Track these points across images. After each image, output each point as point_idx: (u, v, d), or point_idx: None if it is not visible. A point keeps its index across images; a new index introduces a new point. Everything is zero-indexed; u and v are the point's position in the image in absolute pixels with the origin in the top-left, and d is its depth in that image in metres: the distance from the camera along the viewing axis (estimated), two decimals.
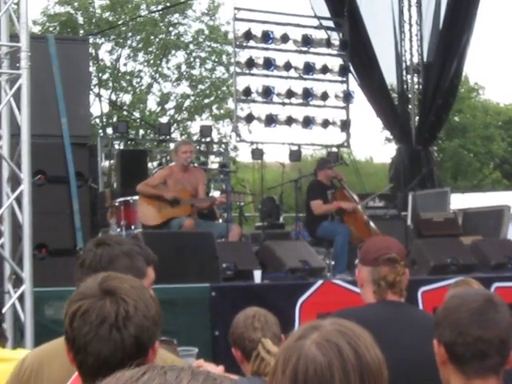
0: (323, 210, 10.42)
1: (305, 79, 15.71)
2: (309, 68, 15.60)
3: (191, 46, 34.19)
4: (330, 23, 16.40)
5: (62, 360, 2.72)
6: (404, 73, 17.28)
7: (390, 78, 17.12)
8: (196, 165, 10.98)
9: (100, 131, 31.00)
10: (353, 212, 10.38)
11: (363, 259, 3.81)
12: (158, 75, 34.65)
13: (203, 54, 34.41)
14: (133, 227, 10.06)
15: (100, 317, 2.16)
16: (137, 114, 33.40)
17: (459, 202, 15.69)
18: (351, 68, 16.31)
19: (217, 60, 34.18)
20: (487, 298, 2.77)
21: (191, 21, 34.14)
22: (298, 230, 11.88)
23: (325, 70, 15.82)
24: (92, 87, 29.96)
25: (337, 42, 16.00)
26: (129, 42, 33.92)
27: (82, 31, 32.26)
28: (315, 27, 16.11)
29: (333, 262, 10.31)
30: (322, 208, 10.42)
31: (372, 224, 10.33)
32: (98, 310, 2.16)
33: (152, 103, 35.07)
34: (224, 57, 33.65)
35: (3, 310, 6.12)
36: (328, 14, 16.30)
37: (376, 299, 3.71)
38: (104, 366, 2.13)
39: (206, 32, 34.21)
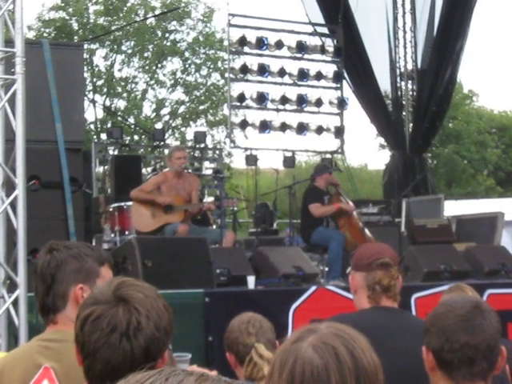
0: (323, 211, 10.34)
1: (299, 85, 15.72)
2: (303, 74, 15.61)
3: (186, 54, 34.18)
4: (325, 30, 16.41)
5: (22, 367, 2.76)
6: (398, 79, 17.30)
7: (384, 84, 17.13)
8: (190, 171, 10.99)
9: (94, 137, 30.98)
10: (348, 217, 10.36)
11: (356, 265, 3.82)
12: (153, 81, 34.64)
13: (198, 61, 34.40)
14: (127, 233, 10.05)
15: (111, 324, 2.15)
16: (131, 120, 33.38)
17: (453, 208, 15.74)
18: (345, 74, 16.33)
19: (212, 66, 34.16)
20: (474, 305, 2.78)
21: (189, 28, 34.15)
22: (291, 236, 11.89)
23: (319, 76, 15.83)
24: (86, 93, 29.91)
25: (331, 49, 16.01)
26: (123, 47, 33.90)
27: (76, 37, 32.23)
28: (310, 34, 16.12)
29: (326, 269, 10.29)
30: (322, 209, 10.35)
31: (367, 231, 10.32)
32: (110, 318, 2.16)
33: (147, 109, 35.09)
34: (219, 63, 33.62)
35: None
36: (322, 21, 16.31)
37: (370, 304, 3.73)
38: (111, 373, 2.12)
39: (201, 39, 34.21)
